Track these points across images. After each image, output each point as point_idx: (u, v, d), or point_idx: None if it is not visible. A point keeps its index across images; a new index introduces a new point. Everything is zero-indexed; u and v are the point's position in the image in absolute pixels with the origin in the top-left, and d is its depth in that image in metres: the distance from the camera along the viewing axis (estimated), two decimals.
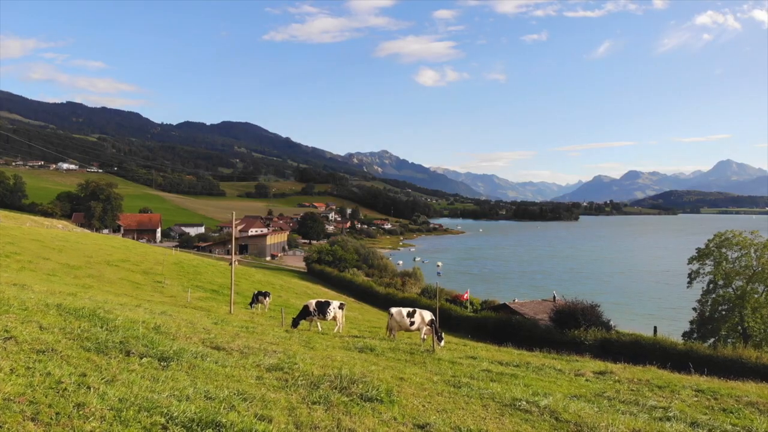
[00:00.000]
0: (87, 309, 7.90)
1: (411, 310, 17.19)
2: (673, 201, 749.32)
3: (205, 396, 4.87)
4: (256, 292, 27.84)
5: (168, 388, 4.87)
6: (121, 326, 7.23)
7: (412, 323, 16.56)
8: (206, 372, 6.00)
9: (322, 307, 17.97)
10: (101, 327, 6.99)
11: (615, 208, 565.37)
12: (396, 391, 6.47)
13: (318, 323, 18.25)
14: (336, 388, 6.14)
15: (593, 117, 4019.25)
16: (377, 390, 6.25)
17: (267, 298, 26.95)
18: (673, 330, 44.20)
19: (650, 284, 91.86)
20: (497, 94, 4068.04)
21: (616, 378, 10.43)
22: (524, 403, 6.90)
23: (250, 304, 26.77)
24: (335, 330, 18.17)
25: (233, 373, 6.26)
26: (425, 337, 16.66)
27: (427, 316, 16.65)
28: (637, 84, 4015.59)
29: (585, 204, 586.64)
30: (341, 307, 18.63)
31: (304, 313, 17.99)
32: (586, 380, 10.12)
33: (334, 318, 18.22)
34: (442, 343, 15.67)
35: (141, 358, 6.01)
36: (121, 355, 5.89)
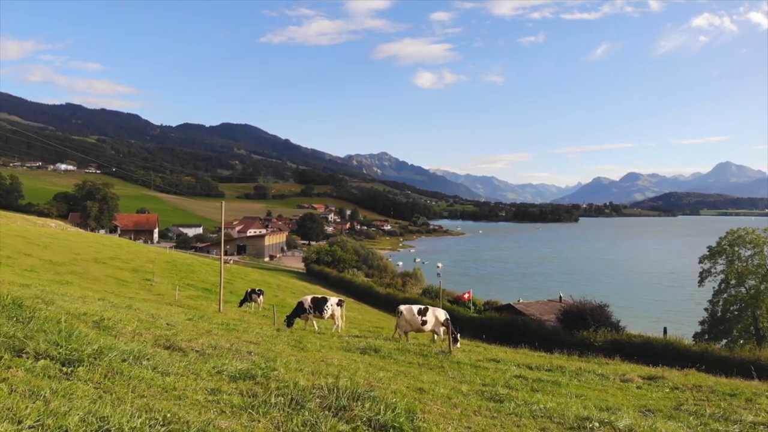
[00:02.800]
0: (11, 297, 6.19)
1: (423, 307, 15.46)
2: (672, 203, 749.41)
3: (98, 426, 3.04)
4: (248, 290, 26.16)
5: (37, 413, 3.02)
6: (39, 318, 5.44)
7: (425, 323, 14.79)
8: (130, 383, 4.17)
9: (319, 304, 16.21)
10: (10, 318, 5.25)
11: (615, 210, 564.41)
12: (420, 412, 4.60)
13: (314, 322, 16.49)
14: (330, 408, 4.21)
15: (591, 119, 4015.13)
16: (393, 411, 4.31)
17: (260, 297, 25.26)
18: (679, 332, 42.77)
19: (652, 286, 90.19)
20: (495, 96, 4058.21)
21: (671, 384, 8.76)
22: (596, 423, 5.11)
23: (241, 302, 25.07)
24: (333, 329, 16.44)
25: (176, 384, 4.40)
26: (436, 338, 14.94)
27: (441, 315, 14.89)
28: (635, 86, 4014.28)
29: (585, 206, 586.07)
30: (340, 304, 16.84)
31: (299, 310, 16.23)
32: (638, 387, 8.48)
33: (332, 316, 16.46)
34: (458, 345, 13.98)
35: (36, 360, 4.20)
36: (7, 356, 4.12)
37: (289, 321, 15.84)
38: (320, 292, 53.56)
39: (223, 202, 20.75)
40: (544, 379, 8.17)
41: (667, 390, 8.44)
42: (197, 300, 24.93)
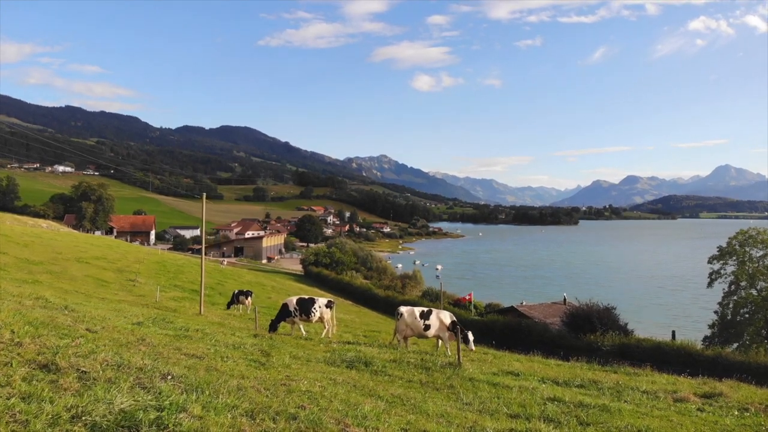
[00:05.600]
0: None
1: (425, 309, 13.72)
2: (672, 206, 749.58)
3: None
4: (236, 291, 24.59)
5: None
6: None
7: (428, 327, 13.08)
8: None
9: (306, 306, 14.52)
10: None
11: (614, 213, 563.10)
12: None
13: (301, 326, 14.83)
14: None
15: (590, 122, 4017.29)
16: None
17: (248, 298, 23.67)
18: (685, 337, 41.45)
19: (655, 290, 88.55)
20: (493, 99, 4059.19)
21: (735, 403, 7.15)
22: None
23: (228, 304, 23.51)
24: (323, 334, 14.82)
25: None
26: (440, 345, 13.28)
27: (447, 318, 13.15)
28: (633, 90, 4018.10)
29: (584, 208, 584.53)
30: (329, 305, 15.11)
31: (284, 313, 14.54)
32: (699, 410, 6.86)
33: (321, 319, 14.79)
34: (472, 345, 12.43)
35: None
36: None
37: (273, 326, 14.15)
38: (317, 294, 51.92)
39: (204, 194, 19.28)
40: (587, 404, 6.44)
41: (736, 412, 6.80)
42: (181, 302, 23.36)
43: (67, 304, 8.95)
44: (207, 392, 4.28)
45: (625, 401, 6.86)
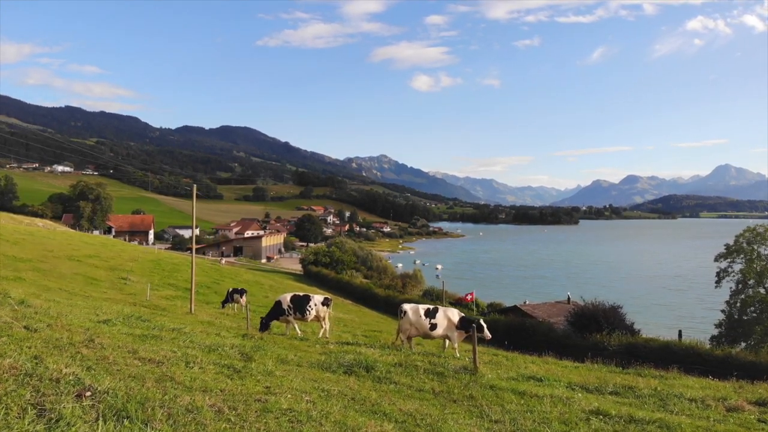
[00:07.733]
0: None
1: (431, 307, 12.69)
2: (672, 205, 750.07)
3: None
4: (230, 289, 23.70)
5: None
6: None
7: (434, 326, 12.04)
8: None
9: (300, 303, 13.54)
10: None
11: (615, 213, 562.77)
12: None
13: (295, 325, 13.85)
14: None
15: (589, 122, 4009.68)
16: None
17: (243, 297, 22.80)
18: (691, 337, 40.69)
19: (658, 290, 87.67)
20: (492, 99, 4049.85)
21: None
22: None
23: (223, 303, 22.64)
24: (320, 334, 13.87)
25: None
26: (447, 345, 12.31)
27: (455, 315, 12.13)
28: (633, 90, 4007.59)
29: (584, 208, 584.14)
30: (326, 303, 14.10)
31: (276, 311, 13.57)
32: (760, 421, 5.92)
33: (317, 318, 13.81)
34: (487, 333, 11.58)
35: None
36: None
37: (264, 324, 13.16)
38: (316, 293, 51.01)
39: (194, 186, 18.41)
40: (639, 418, 5.37)
41: None
42: (174, 300, 22.47)
43: (24, 299, 7.99)
44: (134, 417, 3.11)
45: (675, 412, 5.91)
